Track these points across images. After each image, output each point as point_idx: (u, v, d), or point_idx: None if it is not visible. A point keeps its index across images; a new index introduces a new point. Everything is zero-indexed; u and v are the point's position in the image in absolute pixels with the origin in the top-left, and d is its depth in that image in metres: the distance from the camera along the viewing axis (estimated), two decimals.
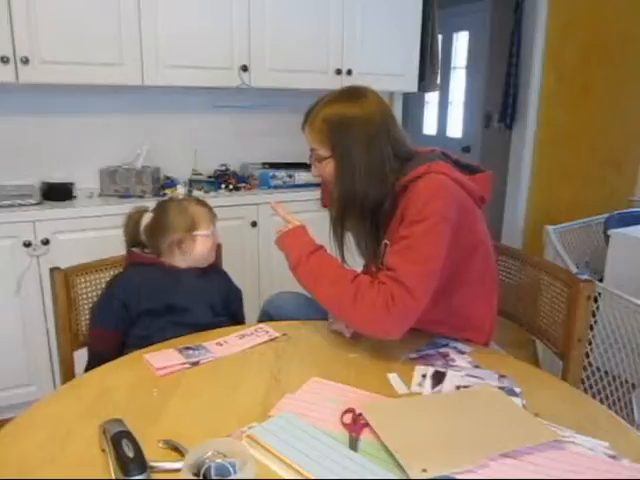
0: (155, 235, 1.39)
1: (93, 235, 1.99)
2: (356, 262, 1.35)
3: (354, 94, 1.21)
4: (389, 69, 2.61)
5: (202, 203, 1.45)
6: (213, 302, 1.40)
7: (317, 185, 2.36)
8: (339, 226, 1.25)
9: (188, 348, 1.16)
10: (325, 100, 1.21)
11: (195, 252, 1.38)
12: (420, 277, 1.08)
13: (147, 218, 1.42)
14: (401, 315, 1.07)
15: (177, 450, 0.81)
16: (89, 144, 2.36)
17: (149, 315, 1.31)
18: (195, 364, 1.10)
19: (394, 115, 1.24)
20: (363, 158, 1.17)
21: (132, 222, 1.43)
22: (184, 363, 1.10)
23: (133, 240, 1.43)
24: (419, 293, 1.07)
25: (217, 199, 2.25)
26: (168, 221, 1.38)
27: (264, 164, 2.62)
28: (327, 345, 1.20)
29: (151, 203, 2.09)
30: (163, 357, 1.12)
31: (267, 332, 1.25)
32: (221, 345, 1.19)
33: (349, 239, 1.30)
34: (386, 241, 1.22)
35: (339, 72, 2.47)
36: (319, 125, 1.18)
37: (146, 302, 1.31)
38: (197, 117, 2.56)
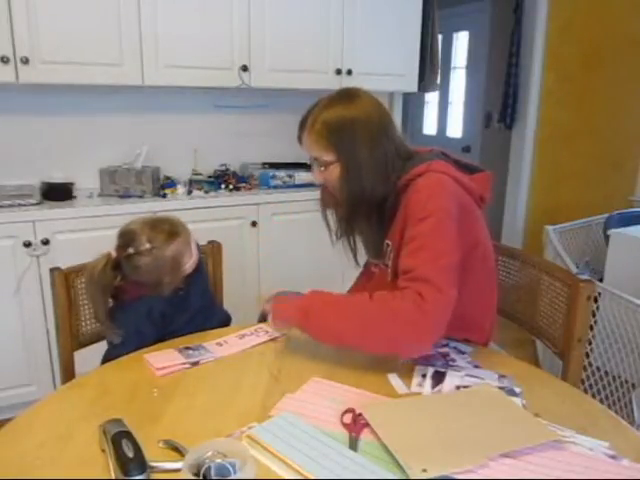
0: (143, 289, 1.26)
1: (93, 235, 1.99)
2: (358, 264, 1.35)
3: (348, 95, 1.20)
4: (389, 69, 2.61)
5: (173, 234, 1.26)
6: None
7: (317, 185, 2.36)
8: (349, 227, 1.24)
9: (188, 348, 1.16)
10: (320, 105, 1.19)
11: (186, 272, 1.31)
12: (440, 271, 1.04)
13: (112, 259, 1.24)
14: (435, 310, 1.02)
15: (177, 450, 0.81)
16: (89, 144, 2.36)
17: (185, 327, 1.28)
18: (195, 364, 1.10)
19: (390, 114, 1.24)
20: (368, 157, 1.16)
21: (101, 271, 1.21)
22: (184, 363, 1.10)
23: (110, 285, 1.24)
24: (445, 285, 1.03)
25: (217, 199, 2.26)
26: (147, 277, 1.24)
27: (264, 164, 2.62)
28: (327, 345, 1.20)
29: (151, 203, 2.12)
30: (163, 357, 1.12)
31: (267, 332, 1.25)
32: (221, 345, 1.19)
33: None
34: (388, 241, 1.21)
35: (339, 72, 2.48)
36: (320, 130, 1.16)
37: (173, 325, 1.28)
38: (197, 117, 2.56)
